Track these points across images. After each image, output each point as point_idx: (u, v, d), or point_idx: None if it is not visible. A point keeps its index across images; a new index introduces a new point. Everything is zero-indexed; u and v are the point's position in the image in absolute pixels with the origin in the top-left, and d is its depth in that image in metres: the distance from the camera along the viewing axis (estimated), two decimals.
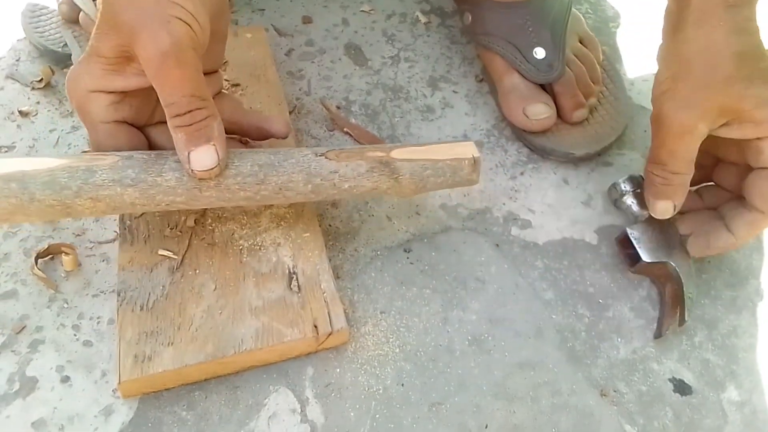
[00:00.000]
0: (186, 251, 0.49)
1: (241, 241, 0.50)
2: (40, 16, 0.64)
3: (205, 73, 0.42)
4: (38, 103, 0.60)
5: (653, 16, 0.75)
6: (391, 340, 0.48)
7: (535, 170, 0.60)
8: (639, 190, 0.55)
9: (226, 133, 0.43)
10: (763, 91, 0.45)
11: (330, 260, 0.50)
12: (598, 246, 0.55)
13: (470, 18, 0.66)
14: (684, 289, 0.50)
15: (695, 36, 0.46)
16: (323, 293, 0.47)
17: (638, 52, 0.72)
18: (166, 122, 0.41)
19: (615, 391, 0.47)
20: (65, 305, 0.48)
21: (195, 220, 0.51)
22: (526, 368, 0.48)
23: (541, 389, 0.47)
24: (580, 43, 0.66)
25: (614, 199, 0.57)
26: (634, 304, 0.52)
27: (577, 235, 0.56)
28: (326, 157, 0.46)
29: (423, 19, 0.74)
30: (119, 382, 0.42)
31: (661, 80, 0.49)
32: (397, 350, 0.48)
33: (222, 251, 0.49)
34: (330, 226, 0.55)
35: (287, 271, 0.48)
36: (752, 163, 0.48)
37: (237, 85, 0.60)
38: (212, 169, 0.41)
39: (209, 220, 0.51)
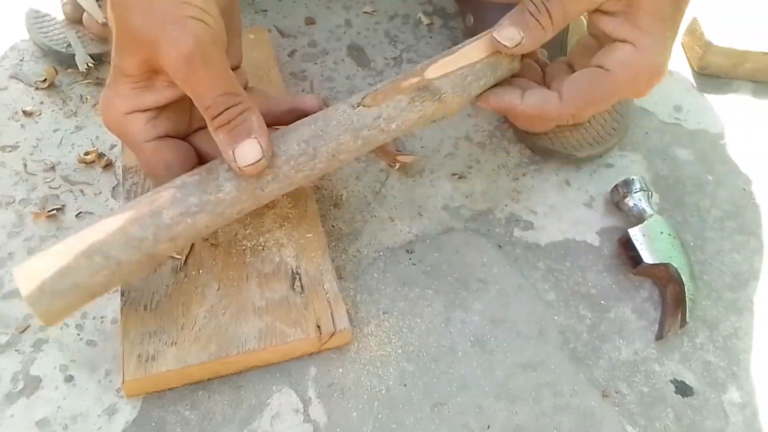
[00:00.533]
0: (190, 252, 0.49)
1: (244, 242, 0.50)
2: (44, 16, 0.64)
3: None
4: (42, 103, 0.60)
5: None
6: (393, 340, 0.48)
7: (537, 171, 0.61)
8: (641, 192, 0.55)
9: None
10: None
11: (333, 261, 0.50)
12: (600, 247, 0.55)
13: (472, 20, 0.66)
14: (685, 290, 0.50)
15: None
16: (326, 293, 0.47)
17: None
18: (206, 127, 0.41)
19: (616, 392, 0.47)
20: None
21: None
22: (528, 369, 0.48)
23: (543, 390, 0.47)
24: None
25: (616, 201, 0.57)
26: (635, 306, 0.52)
27: (579, 236, 0.56)
28: (364, 105, 0.44)
29: (425, 20, 0.74)
30: (123, 382, 0.42)
31: None
32: (400, 351, 0.48)
33: (225, 251, 0.49)
34: (333, 226, 0.55)
35: (290, 272, 0.48)
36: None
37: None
38: (259, 161, 0.39)
39: None
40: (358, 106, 0.44)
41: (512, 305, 0.51)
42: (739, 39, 0.70)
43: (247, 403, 0.44)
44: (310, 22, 0.73)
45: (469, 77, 0.46)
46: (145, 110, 0.41)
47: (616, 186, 0.57)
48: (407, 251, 0.54)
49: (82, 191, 0.54)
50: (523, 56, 0.49)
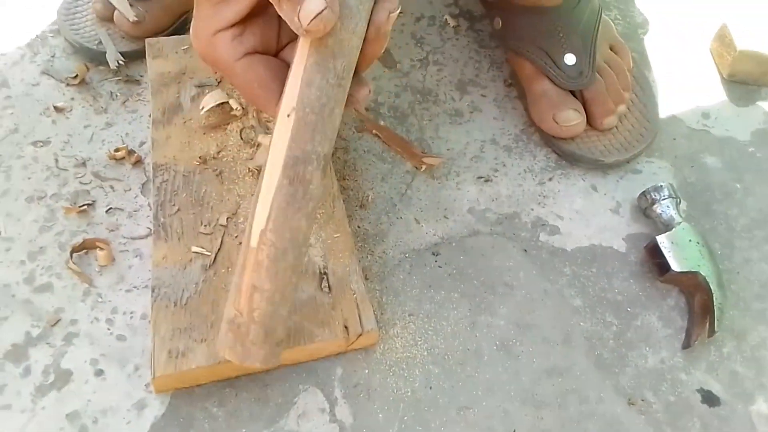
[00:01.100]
0: (219, 249, 0.49)
1: None
2: (75, 14, 0.65)
3: None
4: (73, 99, 0.61)
5: (681, 23, 0.75)
6: (419, 342, 0.48)
7: (564, 176, 0.60)
8: (670, 199, 0.55)
9: None
10: None
11: (359, 261, 0.50)
12: (626, 254, 0.55)
13: (500, 23, 0.66)
14: (713, 299, 0.50)
15: None
16: (354, 294, 0.47)
17: (667, 59, 0.72)
18: (296, 38, 0.39)
19: (643, 401, 0.47)
20: (99, 299, 0.48)
21: (227, 218, 0.51)
22: (554, 375, 0.48)
23: (568, 396, 0.47)
24: (611, 50, 0.65)
25: (644, 208, 0.57)
26: (662, 314, 0.52)
27: (605, 242, 0.56)
28: None
29: (452, 22, 0.74)
30: (153, 377, 0.43)
31: None
32: (426, 353, 0.48)
33: None
34: (359, 227, 0.55)
35: (318, 272, 0.49)
36: None
37: None
38: (322, 11, 0.33)
39: (241, 219, 0.51)
40: None
41: (538, 310, 0.51)
42: None
43: (274, 401, 0.45)
44: None
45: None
46: (229, 27, 0.39)
47: (644, 193, 0.56)
48: (433, 254, 0.54)
49: (112, 187, 0.55)
50: None
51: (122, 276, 0.50)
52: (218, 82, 0.60)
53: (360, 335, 0.46)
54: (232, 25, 0.39)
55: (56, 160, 0.56)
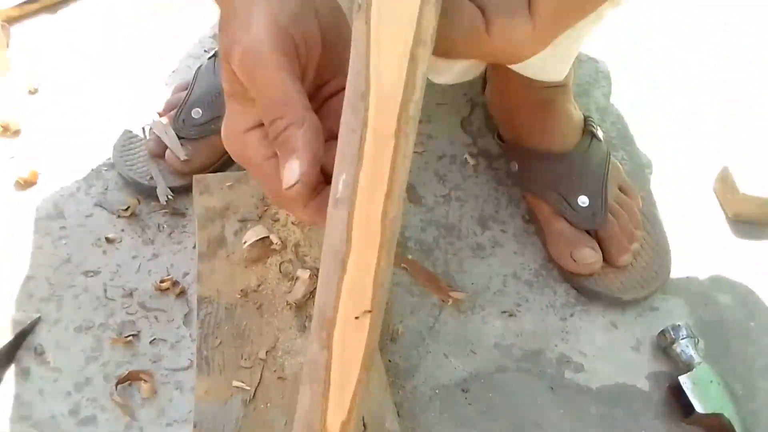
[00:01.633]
0: (258, 384, 0.51)
1: None
2: (130, 150, 0.70)
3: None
4: (123, 230, 0.65)
5: (684, 163, 0.81)
6: None
7: (584, 312, 0.63)
8: (688, 339, 0.57)
9: None
10: None
11: (392, 398, 0.52)
12: (650, 393, 0.57)
13: (517, 166, 0.72)
14: None
15: None
16: None
17: (673, 198, 0.77)
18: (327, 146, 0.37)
19: None
20: None
21: (266, 352, 0.54)
22: None
23: None
24: (620, 190, 0.70)
25: (664, 346, 0.59)
26: None
27: (629, 380, 0.58)
28: None
29: (471, 161, 0.80)
30: None
31: None
32: None
33: (292, 386, 0.51)
34: (390, 361, 0.57)
35: None
36: None
37: None
38: (292, 186, 0.34)
39: (279, 353, 0.54)
40: None
41: None
42: None
43: None
44: None
45: None
46: (257, 126, 0.38)
47: (663, 331, 0.59)
48: (462, 390, 0.56)
49: (156, 318, 0.58)
50: None
51: (163, 409, 0.51)
52: (259, 218, 0.64)
53: None
54: (260, 125, 0.38)
55: (105, 290, 0.60)
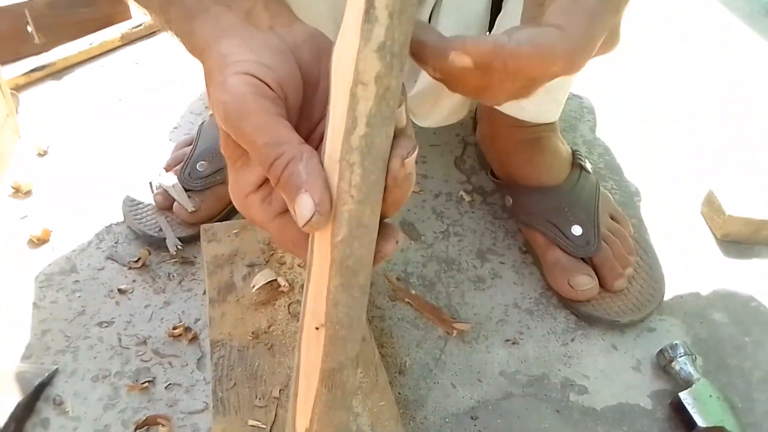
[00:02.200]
0: (273, 422, 0.53)
1: None
2: (138, 204, 0.73)
3: None
4: (134, 281, 0.67)
5: (671, 189, 0.84)
6: None
7: (584, 336, 0.65)
8: (686, 356, 0.59)
9: None
10: None
11: (404, 429, 0.54)
12: (653, 411, 0.58)
13: (511, 201, 0.75)
14: None
15: None
16: None
17: (663, 223, 0.80)
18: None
19: None
20: None
21: (279, 390, 0.55)
22: None
23: None
24: (612, 219, 0.73)
25: (663, 365, 0.61)
26: None
27: (632, 400, 0.59)
28: None
29: (467, 197, 0.83)
30: None
31: None
32: None
33: None
34: (399, 393, 0.59)
35: None
36: None
37: None
38: (311, 219, 0.32)
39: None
40: None
41: None
42: (756, 207, 0.77)
43: None
44: None
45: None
46: (256, 190, 0.38)
47: (661, 351, 0.61)
48: (471, 417, 0.57)
49: (170, 363, 0.60)
50: None
51: None
52: (266, 262, 0.67)
53: None
54: (259, 187, 0.38)
55: (119, 340, 0.61)
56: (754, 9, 1.26)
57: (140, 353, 0.60)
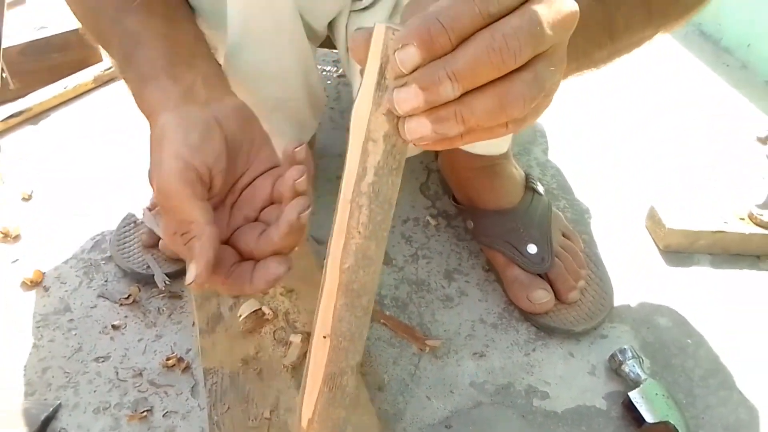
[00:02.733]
0: None
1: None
2: (125, 244, 0.78)
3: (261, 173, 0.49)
4: (126, 317, 0.72)
5: (617, 207, 0.92)
6: None
7: (544, 346, 0.72)
8: (634, 359, 0.67)
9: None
10: None
11: None
12: (608, 411, 0.65)
13: (472, 224, 0.82)
14: None
15: None
16: None
17: (611, 237, 0.87)
18: (244, 229, 0.48)
19: None
20: None
21: (270, 411, 0.60)
22: None
23: None
24: (564, 236, 0.81)
25: (614, 368, 0.68)
26: None
27: (588, 402, 0.66)
28: None
29: (433, 222, 0.89)
30: None
31: None
32: None
33: None
34: (380, 408, 0.64)
35: None
36: None
37: (292, 290, 0.73)
38: (192, 282, 0.43)
39: (282, 411, 0.60)
40: None
41: None
42: (693, 220, 0.85)
43: None
44: None
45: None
46: (175, 233, 0.46)
47: (612, 355, 0.68)
48: (446, 426, 0.63)
49: (166, 392, 0.64)
50: None
51: None
52: None
53: None
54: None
55: (117, 373, 0.66)
56: (689, 30, 1.37)
57: (137, 384, 0.65)
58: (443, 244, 0.86)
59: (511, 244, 0.76)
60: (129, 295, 0.73)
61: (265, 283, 0.45)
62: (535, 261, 0.75)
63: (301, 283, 0.74)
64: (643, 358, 0.69)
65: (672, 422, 0.61)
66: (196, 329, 0.68)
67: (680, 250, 0.86)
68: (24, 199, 0.87)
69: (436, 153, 0.94)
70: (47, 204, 0.86)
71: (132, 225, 0.79)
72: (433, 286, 0.79)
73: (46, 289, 0.74)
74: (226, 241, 0.49)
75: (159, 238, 0.76)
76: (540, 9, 0.30)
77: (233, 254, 0.48)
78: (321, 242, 0.85)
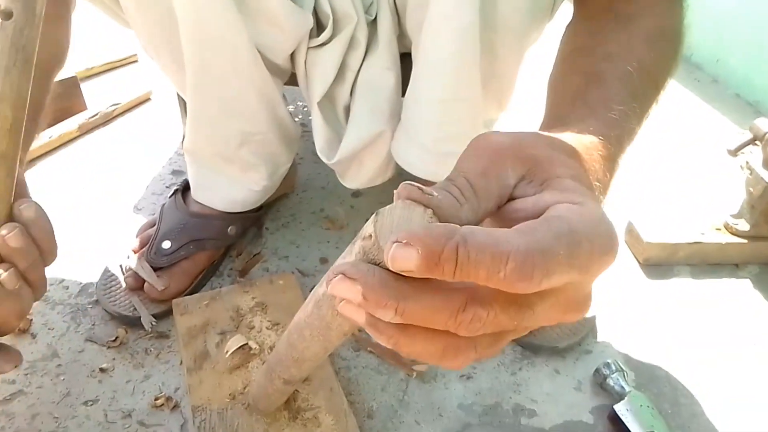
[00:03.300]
0: None
1: None
2: (111, 288, 0.78)
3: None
4: (114, 359, 0.72)
5: None
6: None
7: (530, 365, 0.73)
8: (618, 373, 0.67)
9: None
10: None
11: None
12: (594, 425, 0.66)
13: None
14: None
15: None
16: None
17: None
18: None
19: None
20: None
21: None
22: None
23: None
24: None
25: (599, 382, 0.68)
26: None
27: (575, 417, 0.67)
28: None
29: None
30: None
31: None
32: None
33: None
34: None
35: None
36: None
37: (278, 323, 0.74)
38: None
39: None
40: None
41: None
42: (669, 233, 0.87)
43: None
44: (324, 261, 0.89)
45: None
46: None
47: (596, 370, 0.69)
48: None
49: None
50: None
51: None
52: (236, 328, 0.73)
53: None
54: None
55: (106, 415, 0.66)
56: None
57: (126, 426, 0.65)
58: None
59: None
60: (116, 338, 0.74)
61: None
62: None
63: (286, 317, 0.75)
64: (628, 371, 0.69)
65: None
66: (184, 368, 0.68)
67: (660, 263, 0.87)
68: None
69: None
70: None
71: (117, 269, 0.80)
72: None
73: (34, 336, 0.74)
74: None
75: (144, 281, 0.77)
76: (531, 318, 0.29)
77: None
78: (306, 274, 0.86)
